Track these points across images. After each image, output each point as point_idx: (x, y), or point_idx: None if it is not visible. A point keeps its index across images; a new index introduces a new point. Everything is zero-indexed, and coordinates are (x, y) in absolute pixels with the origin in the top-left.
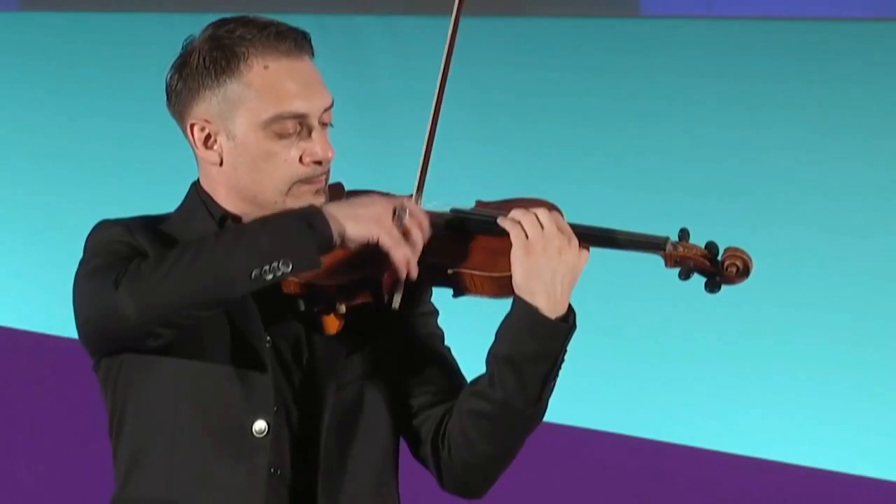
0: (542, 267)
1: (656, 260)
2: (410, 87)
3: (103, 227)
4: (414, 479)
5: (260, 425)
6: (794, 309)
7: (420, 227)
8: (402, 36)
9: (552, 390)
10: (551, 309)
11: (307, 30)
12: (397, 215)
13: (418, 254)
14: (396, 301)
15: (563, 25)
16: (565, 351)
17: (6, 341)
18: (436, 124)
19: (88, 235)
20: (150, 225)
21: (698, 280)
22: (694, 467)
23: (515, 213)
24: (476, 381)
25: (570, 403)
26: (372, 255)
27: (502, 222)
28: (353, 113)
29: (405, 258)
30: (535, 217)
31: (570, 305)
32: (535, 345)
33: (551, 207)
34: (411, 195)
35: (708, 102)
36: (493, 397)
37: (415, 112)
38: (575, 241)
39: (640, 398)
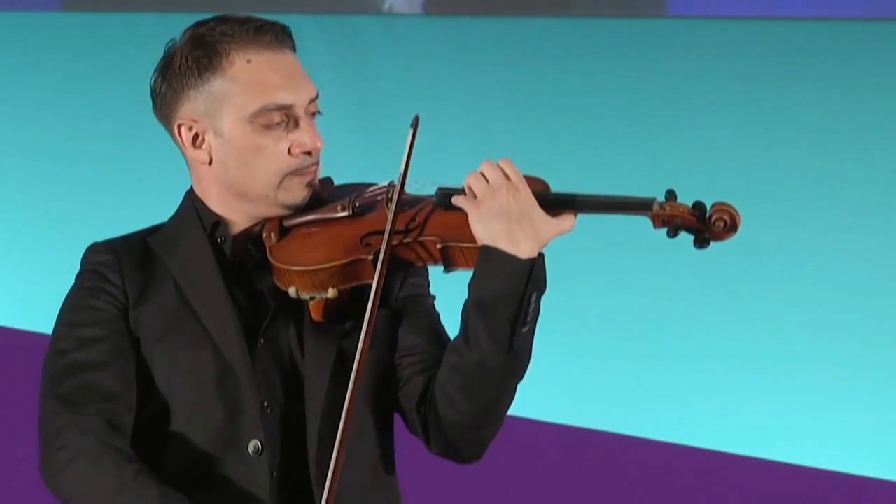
0: (495, 212)
1: (657, 260)
2: (409, 87)
3: (92, 252)
4: (412, 469)
5: (253, 445)
6: (794, 309)
7: None
8: (401, 36)
9: (528, 341)
10: (514, 250)
11: (307, 30)
12: None
13: None
14: None
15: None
16: (531, 294)
17: (6, 341)
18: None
19: (82, 258)
20: (143, 242)
21: (698, 275)
22: (694, 467)
23: (465, 182)
24: (454, 338)
25: (570, 403)
26: (360, 241)
27: (456, 200)
28: (353, 112)
29: None
30: (479, 174)
31: (540, 253)
32: (498, 284)
33: (541, 183)
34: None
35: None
36: (465, 348)
37: (413, 111)
38: (524, 184)
39: (640, 398)
